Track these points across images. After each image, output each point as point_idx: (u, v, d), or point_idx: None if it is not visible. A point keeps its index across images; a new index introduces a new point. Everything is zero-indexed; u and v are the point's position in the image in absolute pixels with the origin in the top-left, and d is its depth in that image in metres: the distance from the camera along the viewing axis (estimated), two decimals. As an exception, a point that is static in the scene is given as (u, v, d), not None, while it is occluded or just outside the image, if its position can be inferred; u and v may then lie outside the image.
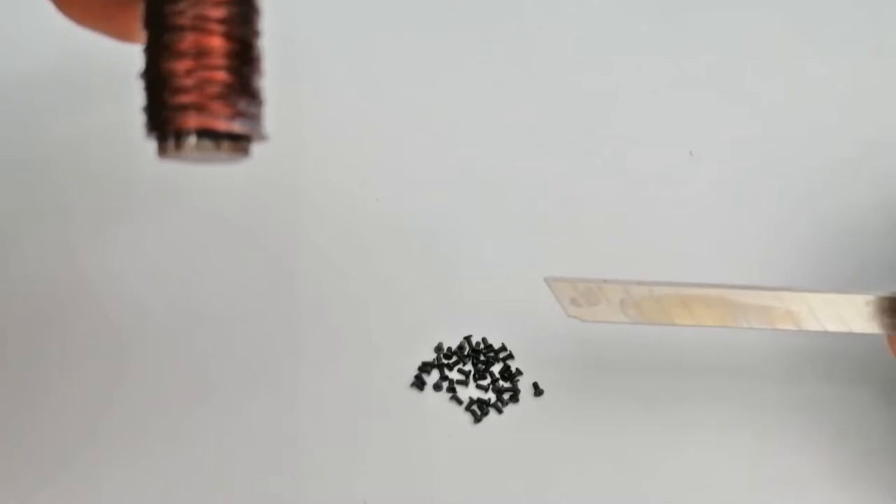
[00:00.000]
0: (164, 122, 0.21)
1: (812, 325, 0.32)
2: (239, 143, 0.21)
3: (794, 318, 0.32)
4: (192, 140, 0.21)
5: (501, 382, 0.36)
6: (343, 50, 0.43)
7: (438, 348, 0.37)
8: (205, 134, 0.21)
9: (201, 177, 0.34)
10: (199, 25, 0.21)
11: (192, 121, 0.21)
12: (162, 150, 0.21)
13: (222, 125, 0.21)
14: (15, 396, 0.35)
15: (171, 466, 0.34)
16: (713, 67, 0.43)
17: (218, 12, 0.21)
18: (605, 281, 0.33)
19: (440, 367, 0.36)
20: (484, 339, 0.37)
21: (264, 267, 0.38)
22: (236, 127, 0.21)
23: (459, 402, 0.36)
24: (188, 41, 0.21)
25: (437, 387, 0.36)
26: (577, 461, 0.35)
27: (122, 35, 0.25)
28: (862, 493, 0.34)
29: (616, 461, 0.35)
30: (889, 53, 0.44)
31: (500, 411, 0.36)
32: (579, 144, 0.41)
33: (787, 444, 0.35)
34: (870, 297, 0.32)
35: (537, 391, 0.36)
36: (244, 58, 0.21)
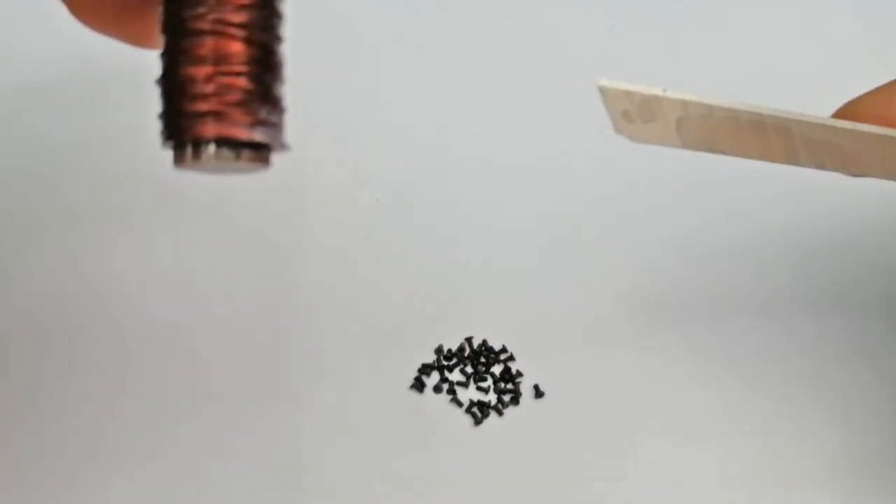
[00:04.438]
0: (181, 129, 0.20)
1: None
2: (259, 152, 0.21)
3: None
4: (210, 149, 0.20)
5: (502, 384, 0.36)
6: (344, 47, 0.43)
7: (439, 350, 0.37)
8: (224, 143, 0.20)
9: (202, 180, 0.34)
10: (220, 30, 0.20)
11: (211, 129, 0.20)
12: (179, 160, 0.21)
13: (242, 134, 0.20)
14: (17, 401, 0.35)
15: (171, 469, 0.34)
16: (715, 69, 0.43)
17: (239, 17, 0.20)
18: (664, 91, 0.27)
19: (440, 368, 0.36)
20: (484, 341, 0.37)
21: (264, 268, 0.38)
22: (257, 136, 0.20)
23: (460, 404, 0.36)
24: (208, 46, 0.20)
25: (437, 389, 0.36)
26: (577, 463, 0.35)
27: (138, 40, 0.24)
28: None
29: (617, 463, 0.35)
30: (890, 56, 0.44)
31: (500, 413, 0.36)
32: (582, 144, 0.41)
33: (792, 445, 0.35)
34: None
35: (538, 393, 0.36)
36: (266, 64, 0.21)
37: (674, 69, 0.43)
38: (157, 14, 0.21)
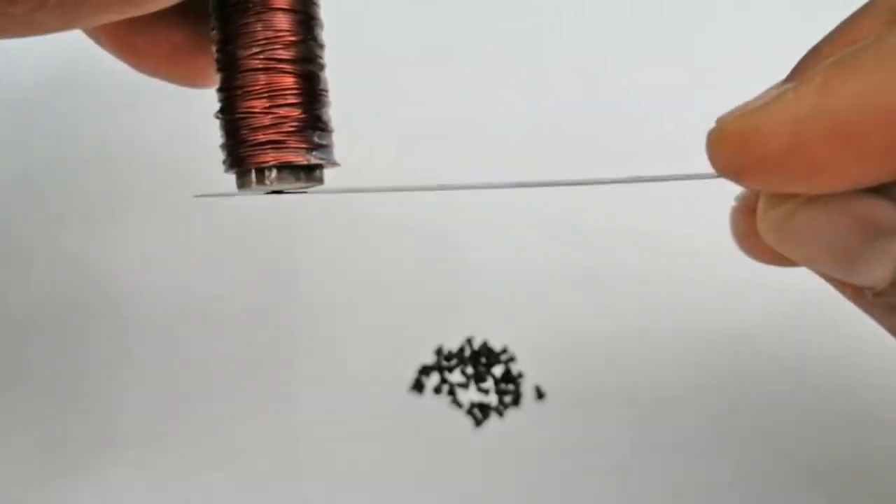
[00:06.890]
0: (244, 158, 0.22)
1: None
2: (314, 172, 0.23)
3: None
4: (272, 174, 0.22)
5: (503, 385, 0.36)
6: (346, 44, 0.42)
7: (439, 351, 0.37)
8: (283, 167, 0.22)
9: (201, 177, 0.33)
10: (272, 66, 0.22)
11: (272, 157, 0.22)
12: (243, 184, 0.22)
13: (300, 159, 0.22)
14: (16, 395, 0.35)
15: (169, 466, 0.34)
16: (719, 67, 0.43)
17: (288, 53, 0.22)
18: None
19: (440, 369, 0.36)
20: (485, 342, 0.37)
21: (263, 268, 0.38)
22: (312, 159, 0.22)
23: (460, 405, 0.36)
24: (262, 82, 0.22)
25: (437, 390, 0.36)
26: (578, 465, 0.35)
27: (191, 80, 0.26)
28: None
29: (618, 465, 0.35)
30: None
31: (501, 415, 0.36)
32: (583, 144, 0.41)
33: (791, 447, 0.36)
34: None
35: (539, 394, 0.36)
36: (314, 92, 0.23)
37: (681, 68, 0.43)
38: (209, 54, 0.23)
